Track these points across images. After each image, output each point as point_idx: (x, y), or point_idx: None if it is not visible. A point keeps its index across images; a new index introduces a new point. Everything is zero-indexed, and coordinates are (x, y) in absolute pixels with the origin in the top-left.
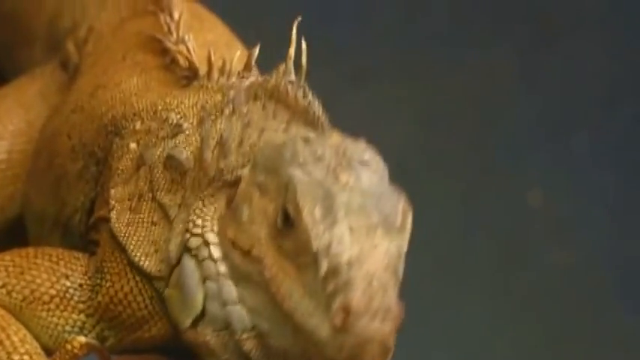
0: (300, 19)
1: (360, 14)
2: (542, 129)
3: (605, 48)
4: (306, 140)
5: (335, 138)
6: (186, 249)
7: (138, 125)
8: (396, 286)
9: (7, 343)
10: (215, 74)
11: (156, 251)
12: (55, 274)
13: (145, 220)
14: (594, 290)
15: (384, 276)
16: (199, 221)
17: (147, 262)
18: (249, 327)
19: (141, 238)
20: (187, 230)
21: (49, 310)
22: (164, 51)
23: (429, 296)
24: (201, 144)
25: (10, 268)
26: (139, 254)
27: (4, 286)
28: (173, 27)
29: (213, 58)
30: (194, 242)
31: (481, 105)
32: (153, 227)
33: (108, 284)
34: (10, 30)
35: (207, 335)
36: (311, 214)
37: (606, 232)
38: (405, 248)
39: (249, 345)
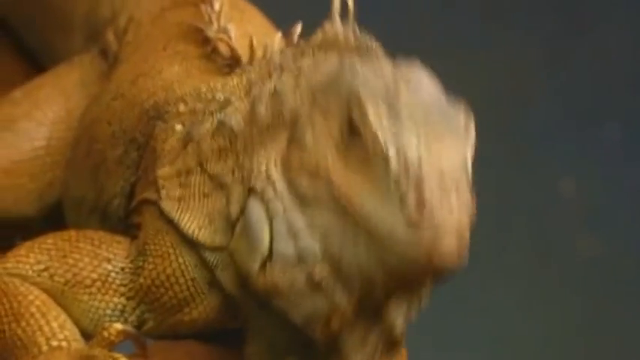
0: None
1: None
2: (573, 118)
3: (636, 36)
4: (364, 62)
5: (390, 64)
6: (251, 191)
7: (182, 108)
8: (468, 183)
9: (46, 329)
10: (257, 58)
11: (210, 223)
12: (97, 258)
13: (196, 193)
14: (624, 281)
15: (456, 172)
16: (263, 164)
17: (201, 234)
18: (319, 255)
19: (194, 212)
20: (249, 177)
21: (90, 293)
22: (205, 40)
23: (459, 284)
24: (252, 103)
25: (53, 252)
26: (192, 227)
27: (46, 269)
28: (214, 17)
29: (255, 44)
30: (259, 184)
31: (512, 94)
32: (205, 199)
33: (150, 266)
34: (49, 19)
35: (276, 277)
36: (377, 114)
37: (638, 221)
38: (471, 152)
39: (320, 273)
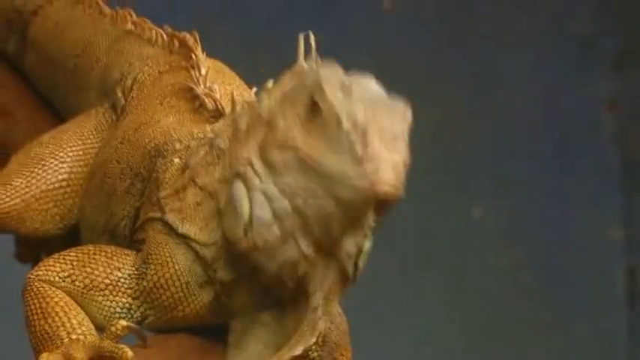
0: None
1: None
2: (484, 157)
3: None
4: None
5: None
6: (235, 176)
7: (178, 145)
8: (404, 140)
9: (67, 325)
10: (238, 109)
11: (206, 225)
12: (109, 267)
13: (191, 204)
14: (524, 284)
15: (395, 131)
16: (245, 154)
17: (201, 235)
18: (289, 211)
19: (192, 218)
20: (235, 169)
21: (104, 295)
22: (194, 97)
23: (394, 291)
24: (234, 122)
25: (75, 262)
26: (192, 230)
27: (69, 276)
28: (201, 79)
29: (235, 98)
30: (241, 168)
31: (438, 141)
32: (199, 207)
33: (152, 272)
34: (71, 81)
35: (256, 237)
36: (333, 94)
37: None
38: (407, 131)
39: (288, 223)
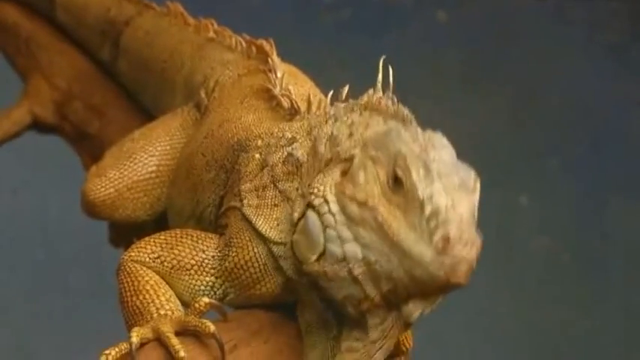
0: (384, 57)
1: None
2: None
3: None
4: (405, 128)
5: (419, 129)
6: (309, 207)
7: (259, 142)
8: (476, 226)
9: (157, 301)
10: (313, 108)
11: (278, 225)
12: (195, 249)
13: (268, 203)
14: (564, 266)
15: (470, 217)
16: (320, 187)
17: (271, 233)
18: (360, 258)
19: (266, 216)
20: (312, 194)
21: (190, 274)
22: (271, 97)
23: None
24: (314, 142)
25: (164, 245)
26: (265, 227)
27: (158, 257)
28: (277, 81)
29: (312, 99)
30: (316, 201)
31: (489, 141)
32: (275, 208)
33: (233, 254)
34: (159, 84)
35: (326, 267)
36: (417, 173)
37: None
38: (477, 203)
39: (358, 271)
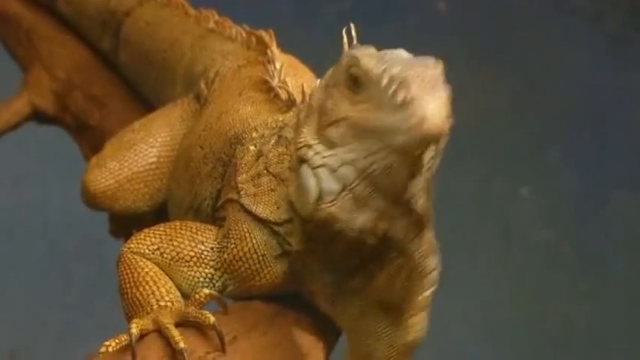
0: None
1: None
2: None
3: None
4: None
5: None
6: (299, 161)
7: (254, 134)
8: (442, 82)
9: (157, 292)
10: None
11: (278, 208)
12: (194, 241)
13: (265, 189)
14: (566, 256)
15: (433, 75)
16: (302, 138)
17: (272, 216)
18: (354, 175)
19: (265, 202)
20: (297, 150)
21: (189, 266)
22: (269, 89)
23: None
24: (297, 114)
25: (163, 236)
26: (265, 213)
27: (158, 249)
28: (276, 73)
29: (305, 90)
30: (302, 152)
31: (489, 128)
32: (272, 192)
33: (232, 246)
34: (160, 74)
35: (330, 207)
36: (368, 61)
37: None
38: (440, 76)
39: (358, 188)
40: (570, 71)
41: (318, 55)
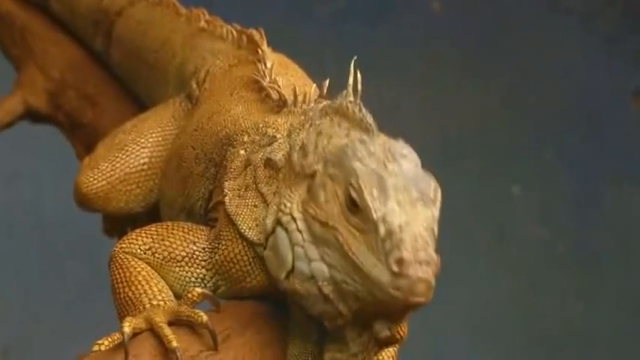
0: (355, 57)
1: None
2: (522, 143)
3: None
4: (362, 141)
5: (382, 138)
6: (278, 223)
7: (245, 138)
8: (434, 242)
9: (149, 292)
10: (299, 101)
11: (257, 225)
12: (186, 241)
13: (249, 203)
14: (558, 252)
15: (425, 235)
16: (288, 204)
17: (250, 233)
18: (327, 277)
19: (246, 216)
20: (280, 210)
21: (181, 266)
22: (261, 89)
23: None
24: (290, 149)
25: (155, 236)
26: (244, 227)
27: (150, 249)
28: (267, 72)
29: (297, 91)
30: (285, 218)
31: (482, 128)
32: (254, 208)
33: (223, 247)
34: (151, 74)
35: (297, 285)
36: (370, 193)
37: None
38: (437, 214)
39: (327, 289)
40: (564, 71)
41: (312, 53)
